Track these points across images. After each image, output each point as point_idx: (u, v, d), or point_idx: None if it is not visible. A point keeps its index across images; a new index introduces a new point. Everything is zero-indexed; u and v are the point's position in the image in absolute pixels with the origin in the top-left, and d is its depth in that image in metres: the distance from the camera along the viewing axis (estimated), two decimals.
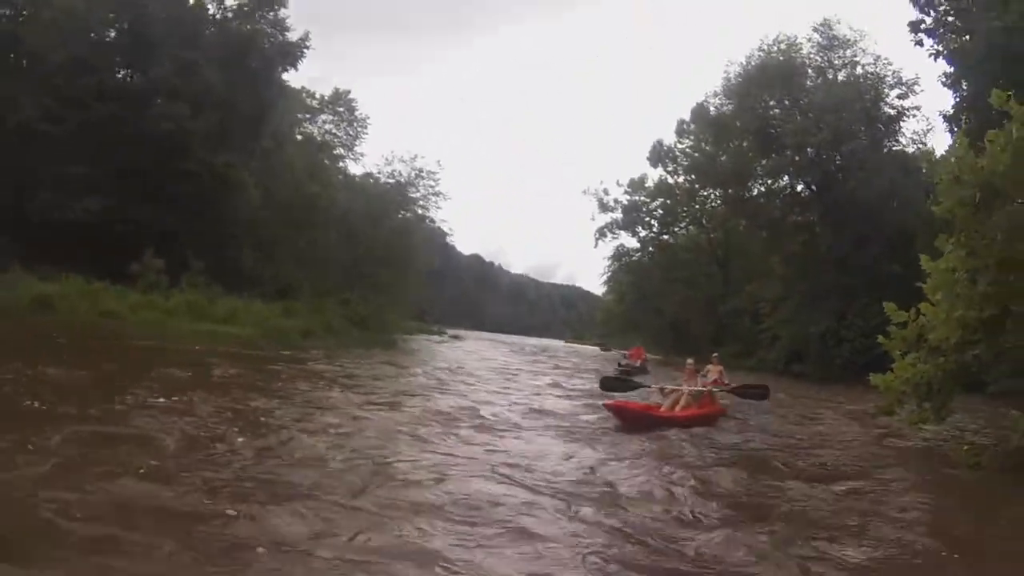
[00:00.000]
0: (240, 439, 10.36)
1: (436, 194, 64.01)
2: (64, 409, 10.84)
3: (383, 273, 57.50)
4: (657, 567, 6.85)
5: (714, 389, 19.98)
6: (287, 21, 44.95)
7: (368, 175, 65.88)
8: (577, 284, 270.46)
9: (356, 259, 54.78)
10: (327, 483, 8.42)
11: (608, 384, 20.05)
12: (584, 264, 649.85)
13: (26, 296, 27.81)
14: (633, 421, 16.21)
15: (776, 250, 58.89)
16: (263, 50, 43.54)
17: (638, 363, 40.81)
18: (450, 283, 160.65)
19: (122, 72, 41.68)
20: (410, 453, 10.83)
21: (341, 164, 65.66)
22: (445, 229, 70.87)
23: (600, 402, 18.37)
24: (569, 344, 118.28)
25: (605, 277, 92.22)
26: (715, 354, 23.48)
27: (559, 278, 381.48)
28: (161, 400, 12.61)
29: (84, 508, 6.53)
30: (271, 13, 44.62)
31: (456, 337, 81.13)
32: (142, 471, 7.94)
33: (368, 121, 66.02)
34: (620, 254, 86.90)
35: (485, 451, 11.58)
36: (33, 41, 37.38)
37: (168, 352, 22.33)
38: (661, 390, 19.61)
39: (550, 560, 6.67)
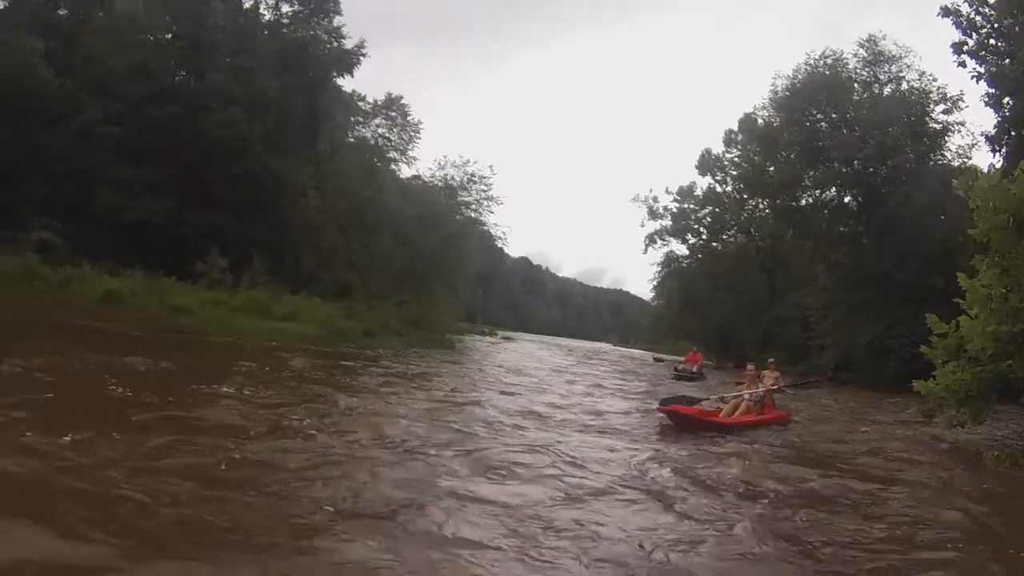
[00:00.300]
0: (320, 431, 10.77)
1: (489, 198, 64.82)
2: (148, 398, 11.29)
3: (436, 275, 58.23)
4: (713, 559, 7.06)
5: (773, 388, 19.94)
6: (343, 29, 45.55)
7: (416, 177, 66.62)
8: (624, 289, 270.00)
9: (410, 261, 55.14)
10: (405, 476, 8.72)
11: (668, 403, 17.99)
12: (632, 269, 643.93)
13: (97, 291, 28.46)
14: (688, 426, 16.24)
15: (823, 260, 59.14)
16: (319, 57, 44.10)
17: (695, 368, 40.82)
18: (498, 285, 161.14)
19: (180, 76, 42.29)
20: (483, 449, 11.10)
21: (394, 167, 65.66)
22: (498, 233, 70.75)
23: (656, 405, 18.43)
24: (619, 347, 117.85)
25: (654, 283, 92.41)
26: (771, 360, 22.93)
27: (606, 282, 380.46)
28: (242, 392, 13.08)
29: (170, 493, 6.83)
30: (325, 20, 45.30)
31: (507, 339, 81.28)
32: (224, 464, 8.18)
33: (421, 126, 65.60)
34: (670, 260, 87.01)
35: (552, 448, 11.83)
36: (93, 45, 38.36)
37: (241, 347, 22.61)
38: (722, 399, 19.25)
39: (612, 553, 6.88)
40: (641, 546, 7.20)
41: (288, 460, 8.74)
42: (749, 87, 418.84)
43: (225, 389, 13.13)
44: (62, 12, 41.91)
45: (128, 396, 11.25)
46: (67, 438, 7.95)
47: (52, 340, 17.18)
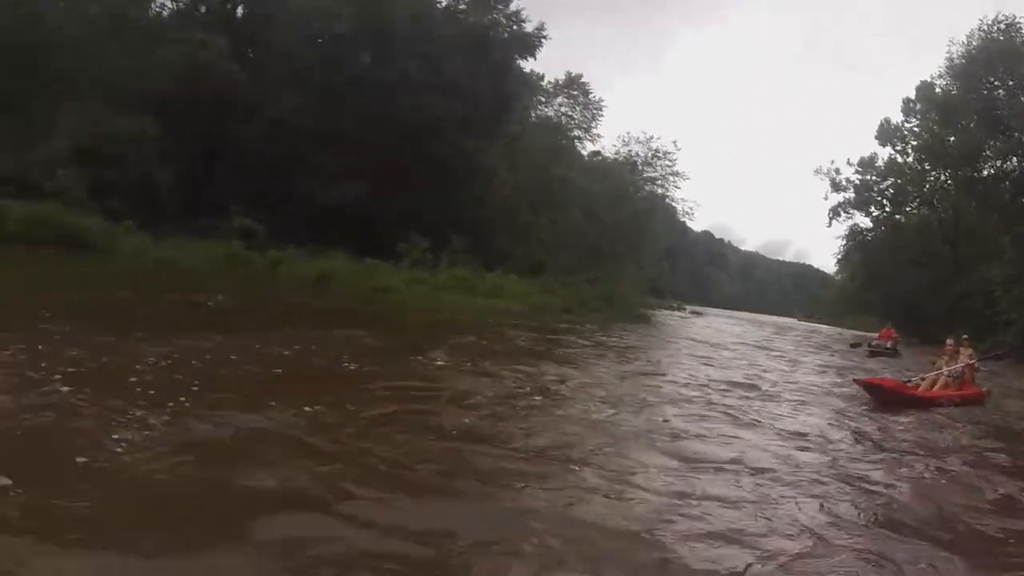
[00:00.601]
0: (547, 396, 11.55)
1: (674, 174, 64.76)
2: (375, 369, 12.04)
3: (624, 251, 58.65)
4: (940, 530, 7.12)
5: (971, 364, 19.43)
6: (522, 12, 46.41)
7: (596, 153, 67.02)
8: (807, 262, 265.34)
9: (598, 237, 55.60)
10: (623, 443, 9.11)
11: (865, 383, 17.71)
12: (815, 242, 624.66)
13: (305, 273, 29.96)
14: (885, 399, 16.20)
15: (1007, 232, 56.95)
16: (501, 41, 45.25)
17: (888, 344, 39.93)
18: (682, 259, 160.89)
19: (368, 64, 43.01)
20: (707, 417, 11.66)
21: (578, 144, 66.14)
22: (684, 208, 70.46)
23: (853, 377, 19.04)
24: (804, 322, 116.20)
25: (838, 256, 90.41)
26: (964, 336, 21.92)
27: (789, 255, 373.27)
28: (463, 363, 13.80)
29: (410, 456, 7.25)
30: (501, 4, 46.39)
31: (696, 313, 79.89)
32: (456, 431, 8.61)
33: (602, 103, 66.01)
34: (854, 233, 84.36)
35: (766, 417, 12.52)
36: (281, 39, 40.43)
37: (453, 323, 23.55)
38: (922, 378, 18.74)
39: (834, 514, 7.23)
40: (860, 510, 7.57)
41: (524, 423, 9.47)
42: (930, 50, 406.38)
43: (445, 361, 13.95)
44: (240, 10, 44.60)
45: (356, 369, 12.04)
46: (307, 408, 8.49)
47: (274, 319, 18.61)
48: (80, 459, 5.76)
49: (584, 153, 67.13)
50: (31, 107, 33.85)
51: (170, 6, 44.95)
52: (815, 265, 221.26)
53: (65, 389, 7.53)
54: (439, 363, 13.70)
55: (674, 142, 68.66)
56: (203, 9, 44.55)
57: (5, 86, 33.52)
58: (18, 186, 29.37)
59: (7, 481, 5.12)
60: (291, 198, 37.29)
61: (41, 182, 29.98)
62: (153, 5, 44.17)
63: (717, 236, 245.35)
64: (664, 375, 17.19)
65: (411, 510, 5.90)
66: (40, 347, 9.22)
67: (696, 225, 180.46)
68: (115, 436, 6.31)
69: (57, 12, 37.24)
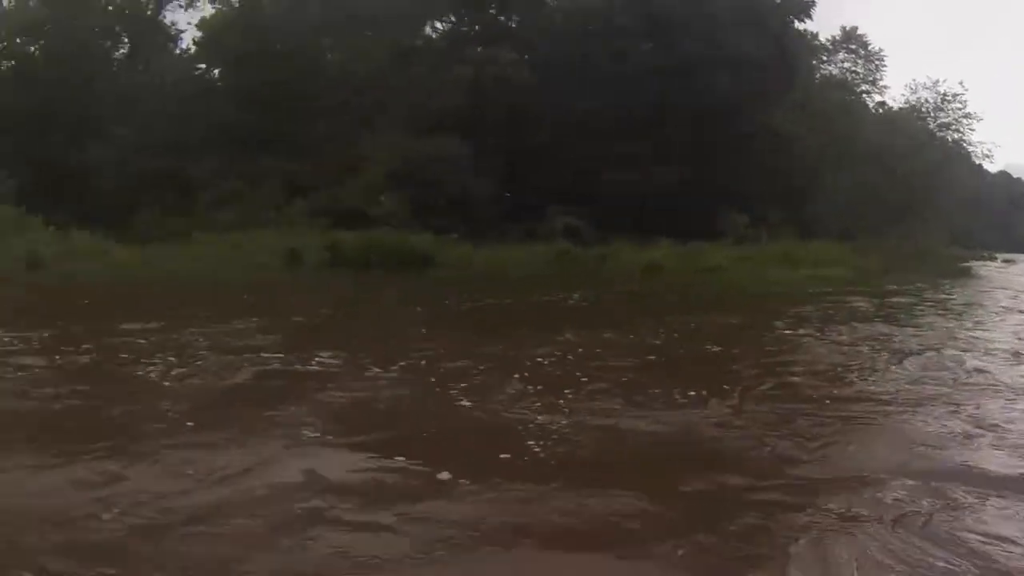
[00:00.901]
0: (895, 366, 11.09)
1: (966, 116, 61.01)
2: (735, 349, 12.49)
3: (925, 204, 56.20)
4: None
5: None
6: None
7: (881, 104, 65.36)
8: None
9: (898, 192, 53.08)
10: (984, 397, 8.95)
11: None
12: None
13: (638, 262, 30.50)
14: None
15: None
16: (775, 6, 45.04)
17: None
18: (980, 204, 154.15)
19: (650, 51, 42.26)
20: None
21: (866, 99, 64.92)
22: (982, 151, 65.80)
23: None
24: None
25: None
26: None
27: None
28: (812, 335, 14.05)
29: (798, 427, 7.50)
30: None
31: (1008, 261, 74.74)
32: (828, 400, 8.71)
33: (883, 54, 64.54)
34: None
35: None
36: (560, 40, 41.19)
37: (788, 296, 23.27)
38: None
39: None
40: None
41: (885, 385, 9.75)
42: None
43: (794, 333, 14.40)
44: (514, 19, 45.81)
45: (720, 351, 12.50)
46: (692, 392, 8.77)
47: (623, 310, 19.54)
48: (503, 455, 6.38)
49: (872, 106, 65.67)
50: (325, 144, 36.67)
51: (440, 28, 46.91)
52: None
53: (467, 403, 8.13)
54: (789, 335, 14.31)
55: (960, 82, 65.11)
56: (476, 27, 45.83)
57: (297, 131, 36.76)
58: (335, 217, 31.81)
59: (447, 475, 5.73)
60: (603, 192, 38.02)
61: (363, 210, 32.33)
62: (427, 30, 46.28)
63: (1015, 176, 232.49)
64: (1005, 328, 17.00)
65: (805, 465, 6.35)
66: (423, 363, 10.05)
67: (992, 166, 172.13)
68: (528, 442, 6.77)
69: (336, 54, 40.62)
